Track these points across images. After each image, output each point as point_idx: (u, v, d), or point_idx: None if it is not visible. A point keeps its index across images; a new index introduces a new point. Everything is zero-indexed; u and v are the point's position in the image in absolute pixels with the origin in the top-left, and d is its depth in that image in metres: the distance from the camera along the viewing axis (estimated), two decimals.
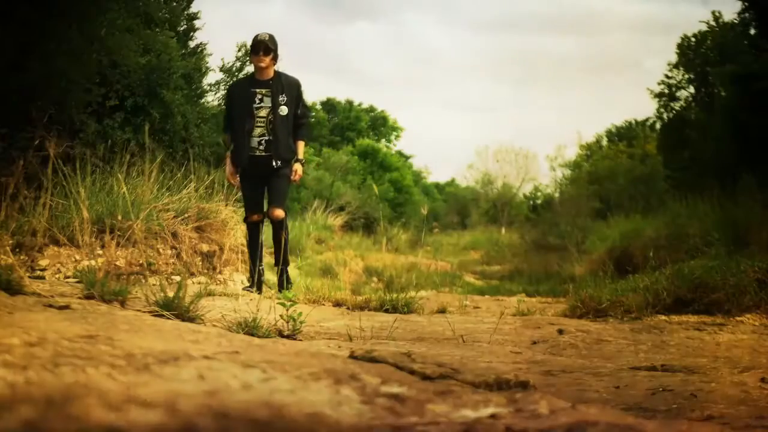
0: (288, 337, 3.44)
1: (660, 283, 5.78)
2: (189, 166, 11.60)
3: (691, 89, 27.06)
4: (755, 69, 20.06)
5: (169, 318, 3.18)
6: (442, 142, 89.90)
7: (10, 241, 8.74)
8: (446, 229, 37.55)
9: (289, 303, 3.51)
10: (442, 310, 6.20)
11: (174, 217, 9.45)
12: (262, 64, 7.20)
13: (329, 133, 39.55)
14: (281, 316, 3.53)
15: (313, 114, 39.55)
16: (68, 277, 8.43)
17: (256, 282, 7.21)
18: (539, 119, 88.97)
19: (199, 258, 9.47)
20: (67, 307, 2.87)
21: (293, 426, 1.30)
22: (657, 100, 27.99)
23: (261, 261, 7.50)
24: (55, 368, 1.57)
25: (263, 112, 7.25)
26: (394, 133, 44.52)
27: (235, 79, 24.41)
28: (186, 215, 9.54)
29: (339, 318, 5.27)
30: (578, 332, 4.43)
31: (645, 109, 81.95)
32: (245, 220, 7.62)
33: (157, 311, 3.20)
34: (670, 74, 27.28)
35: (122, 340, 2.29)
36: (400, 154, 40.57)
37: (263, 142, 7.25)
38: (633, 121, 39.81)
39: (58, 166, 11.17)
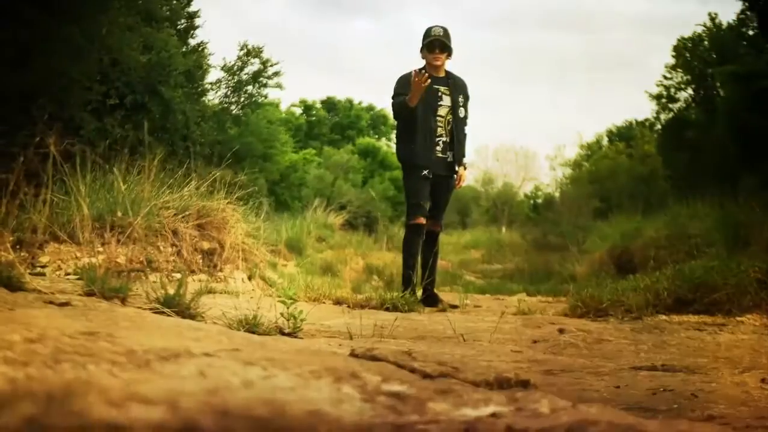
0: (289, 335, 3.44)
1: (661, 282, 5.78)
2: (190, 164, 11.62)
3: (690, 91, 27.05)
4: (756, 68, 20.09)
5: (170, 315, 3.18)
6: None
7: (11, 238, 8.75)
8: (446, 228, 37.52)
9: (290, 301, 3.49)
10: (442, 309, 6.19)
11: (174, 214, 9.45)
12: (438, 62, 6.92)
13: (329, 131, 39.59)
14: (282, 314, 3.52)
15: (314, 113, 39.70)
16: (69, 274, 8.43)
17: (411, 286, 6.78)
18: (540, 117, 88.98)
19: (200, 256, 9.46)
20: (67, 303, 2.87)
21: (294, 423, 1.30)
22: (655, 101, 28.05)
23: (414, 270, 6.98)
24: (56, 365, 1.57)
25: (442, 111, 6.95)
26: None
27: (237, 78, 24.47)
28: (187, 213, 9.55)
29: (339, 316, 5.27)
30: (579, 332, 4.43)
31: (646, 107, 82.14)
32: (411, 222, 6.98)
33: (158, 308, 3.20)
34: (668, 76, 27.30)
35: (123, 336, 2.29)
36: None
37: (440, 143, 6.94)
38: (633, 121, 39.83)
39: (59, 161, 11.22)
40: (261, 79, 24.55)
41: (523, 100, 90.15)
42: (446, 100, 6.89)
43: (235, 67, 24.14)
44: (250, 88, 24.21)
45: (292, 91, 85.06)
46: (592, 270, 17.29)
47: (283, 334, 3.43)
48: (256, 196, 22.64)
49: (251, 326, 3.37)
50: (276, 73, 25.14)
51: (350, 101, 42.68)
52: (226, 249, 9.90)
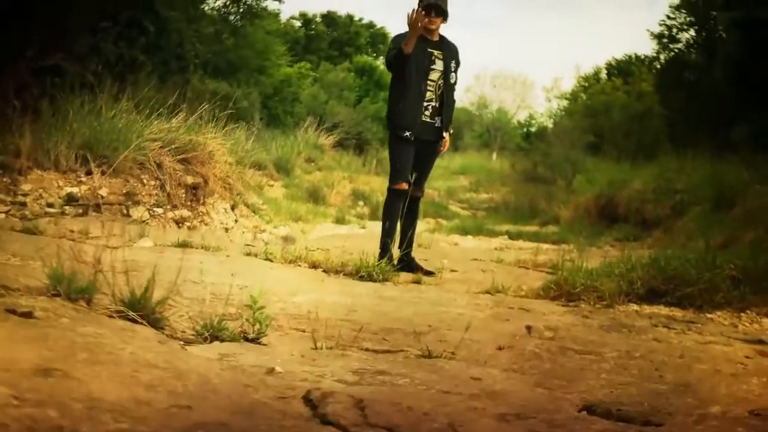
0: (253, 341, 3.44)
1: (635, 271, 5.80)
2: (182, 90, 11.53)
3: (692, 32, 26.82)
4: (760, 16, 19.89)
5: (135, 320, 3.19)
6: None
7: None
8: None
9: (256, 307, 3.49)
10: (417, 281, 6.20)
11: (161, 147, 9.43)
12: (433, 26, 6.79)
13: (328, 47, 39.17)
14: (246, 319, 3.51)
15: (314, 27, 39.23)
16: (50, 205, 8.44)
17: (388, 255, 6.73)
18: (541, 45, 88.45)
19: (183, 190, 9.47)
20: (30, 314, 2.86)
21: None
22: (656, 41, 27.82)
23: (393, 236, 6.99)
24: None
25: (434, 76, 6.84)
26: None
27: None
28: (173, 146, 9.52)
29: (312, 288, 5.28)
30: (546, 331, 4.46)
31: (647, 43, 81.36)
32: (393, 186, 6.91)
33: (124, 312, 3.20)
34: (671, 15, 27.02)
35: (78, 378, 2.30)
36: None
37: (430, 107, 6.87)
38: (633, 56, 39.54)
39: (49, 80, 11.13)
40: None
41: (526, 26, 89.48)
42: (439, 65, 6.83)
43: None
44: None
45: (292, 3, 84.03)
46: (576, 215, 17.38)
47: (247, 340, 3.43)
48: (249, 111, 22.61)
49: (215, 331, 3.36)
50: None
51: (350, 17, 42.19)
52: (210, 183, 9.90)
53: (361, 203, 20.62)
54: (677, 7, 27.00)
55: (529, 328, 4.53)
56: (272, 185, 18.20)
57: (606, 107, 32.00)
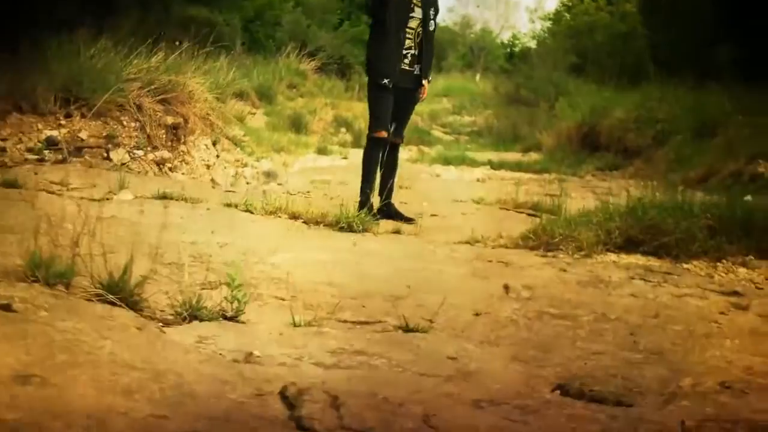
0: (231, 318, 3.48)
1: (613, 220, 5.85)
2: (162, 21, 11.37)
3: None
4: None
5: (114, 303, 3.22)
6: None
7: None
8: None
9: (234, 285, 3.51)
10: (397, 231, 6.23)
11: (140, 88, 9.34)
12: None
13: None
14: (225, 297, 3.54)
15: None
16: (30, 150, 8.38)
17: (368, 207, 6.64)
18: None
19: (163, 131, 9.40)
20: (8, 307, 2.88)
21: None
22: None
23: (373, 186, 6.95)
24: None
25: (413, 24, 6.79)
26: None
27: None
28: (153, 87, 9.43)
29: (292, 245, 5.30)
30: (523, 291, 4.52)
31: None
32: (373, 134, 6.90)
33: (102, 296, 3.22)
34: None
35: (57, 385, 2.34)
36: None
37: (409, 56, 6.82)
38: None
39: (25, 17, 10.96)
40: None
41: None
42: (418, 12, 6.79)
43: None
44: None
45: None
46: (558, 143, 17.38)
47: (226, 318, 3.46)
48: (230, 36, 22.35)
49: (194, 311, 3.39)
50: None
51: None
52: (190, 122, 9.85)
53: (343, 130, 20.54)
54: None
55: (506, 287, 4.59)
56: (254, 113, 18.07)
57: (589, 28, 31.74)
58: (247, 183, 9.85)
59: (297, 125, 18.92)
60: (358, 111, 20.71)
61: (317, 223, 6.17)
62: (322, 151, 15.97)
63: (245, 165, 11.93)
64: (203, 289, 3.78)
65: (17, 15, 10.89)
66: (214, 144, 11.26)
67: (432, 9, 6.90)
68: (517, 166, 14.78)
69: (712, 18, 20.36)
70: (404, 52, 6.78)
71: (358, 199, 6.80)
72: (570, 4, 40.39)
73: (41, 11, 11.18)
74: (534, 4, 58.37)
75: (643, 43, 26.97)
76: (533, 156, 17.59)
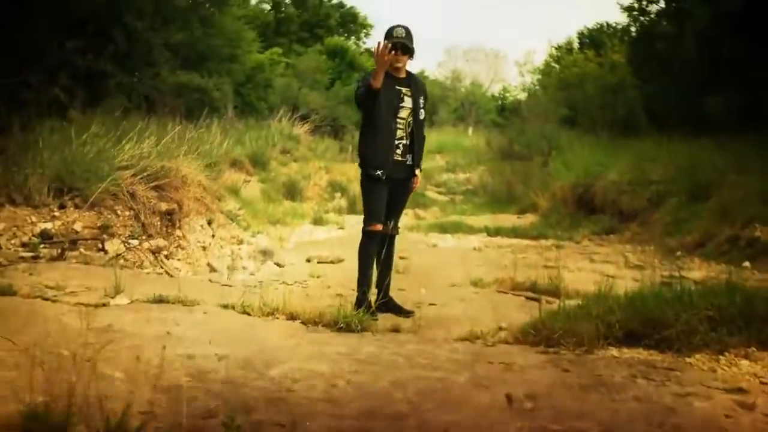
0: None
1: (614, 313, 5.81)
2: (152, 114, 11.41)
3: (662, 4, 26.86)
4: None
5: None
6: (413, 31, 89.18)
7: None
8: None
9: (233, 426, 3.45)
10: (395, 329, 6.17)
11: (133, 175, 9.34)
12: (400, 64, 6.74)
13: (298, 29, 38.86)
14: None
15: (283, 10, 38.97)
16: (25, 245, 8.33)
17: (366, 305, 6.57)
18: (514, 13, 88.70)
19: (158, 218, 9.40)
20: None
21: None
22: (626, 13, 27.89)
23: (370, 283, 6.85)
24: None
25: (404, 113, 6.78)
26: (364, 30, 43.93)
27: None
28: (145, 174, 9.43)
29: (290, 354, 5.23)
30: (526, 402, 4.46)
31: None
32: (368, 228, 6.82)
33: None
34: None
35: None
36: (369, 52, 39.82)
37: (401, 146, 6.81)
38: (604, 24, 39.73)
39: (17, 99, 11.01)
40: None
41: None
42: (408, 102, 6.77)
43: None
44: None
45: None
46: (553, 205, 17.40)
47: None
48: (222, 101, 22.45)
49: None
50: None
51: None
52: (184, 207, 9.84)
53: (338, 194, 20.61)
54: None
55: (509, 398, 4.53)
56: (249, 181, 18.14)
57: (579, 79, 31.99)
58: (244, 268, 9.80)
59: (292, 192, 19.03)
60: (353, 174, 20.77)
61: (315, 323, 6.11)
62: (317, 221, 16.01)
63: (241, 242, 11.91)
64: (203, 418, 3.73)
65: (8, 97, 10.94)
66: (209, 223, 11.26)
67: (421, 97, 6.90)
68: (514, 232, 14.80)
69: (702, 68, 20.54)
70: (396, 142, 6.75)
71: (356, 294, 6.77)
72: (559, 55, 40.87)
73: (31, 92, 11.24)
74: (523, 57, 59.15)
75: (634, 93, 27.17)
76: (529, 218, 17.63)
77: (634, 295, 6.05)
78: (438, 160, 30.02)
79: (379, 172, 6.69)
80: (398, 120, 6.74)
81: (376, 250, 6.83)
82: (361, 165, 6.93)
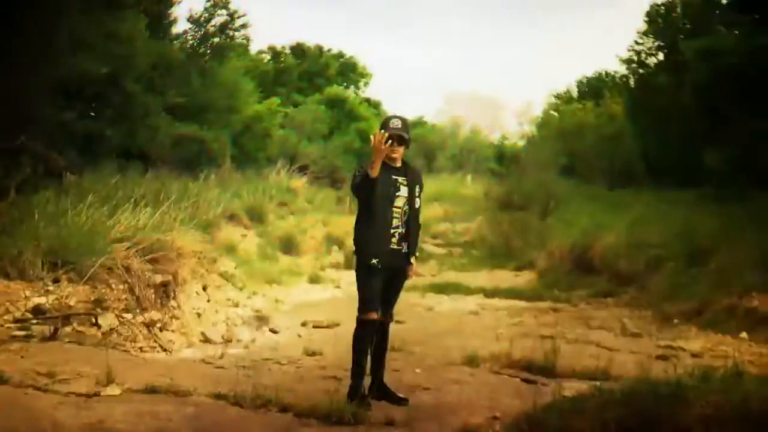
0: None
1: (609, 410, 5.75)
2: (149, 167, 11.41)
3: (660, 56, 27.10)
4: (725, 44, 20.06)
5: None
6: (413, 78, 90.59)
7: None
8: None
9: None
10: (390, 423, 6.11)
11: (127, 248, 9.31)
12: (396, 155, 6.74)
13: (297, 79, 38.99)
14: None
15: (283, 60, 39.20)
16: (18, 321, 8.28)
17: (360, 395, 6.52)
18: (513, 60, 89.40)
19: (152, 290, 9.35)
20: None
21: None
22: (625, 66, 28.18)
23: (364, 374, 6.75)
24: None
25: (399, 202, 6.76)
26: (363, 79, 44.03)
27: (203, 29, 24.03)
28: (141, 246, 9.41)
29: None
30: None
31: (621, 46, 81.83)
32: (363, 317, 6.72)
33: None
34: (639, 41, 27.33)
35: None
36: (368, 101, 39.93)
37: (396, 234, 6.77)
38: (603, 73, 40.00)
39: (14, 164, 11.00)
40: (228, 31, 24.30)
41: (497, 42, 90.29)
42: (403, 191, 6.75)
43: (202, 19, 23.85)
44: (216, 39, 23.99)
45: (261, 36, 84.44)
46: (551, 264, 17.40)
47: None
48: (219, 153, 22.49)
49: None
50: (243, 25, 24.84)
51: (320, 48, 42.16)
52: (179, 278, 9.82)
53: (335, 248, 20.61)
54: (645, 33, 27.26)
55: None
56: (245, 235, 18.13)
57: (578, 129, 32.14)
58: (239, 341, 9.77)
59: (288, 246, 19.00)
60: (350, 227, 20.71)
61: (308, 416, 6.05)
62: (314, 280, 16.00)
63: (237, 305, 11.88)
64: None
65: (6, 162, 10.94)
66: (204, 289, 11.23)
67: (417, 186, 6.89)
68: (511, 293, 14.76)
69: (700, 120, 20.65)
70: (392, 231, 6.73)
71: (350, 374, 6.73)
72: (558, 103, 41.10)
73: (28, 156, 11.24)
74: (522, 106, 59.60)
75: (632, 144, 27.30)
76: (527, 275, 17.61)
77: (630, 391, 5.99)
78: (436, 208, 29.88)
79: (374, 261, 6.66)
80: (394, 209, 6.72)
81: (371, 339, 6.77)
82: (356, 253, 6.89)
